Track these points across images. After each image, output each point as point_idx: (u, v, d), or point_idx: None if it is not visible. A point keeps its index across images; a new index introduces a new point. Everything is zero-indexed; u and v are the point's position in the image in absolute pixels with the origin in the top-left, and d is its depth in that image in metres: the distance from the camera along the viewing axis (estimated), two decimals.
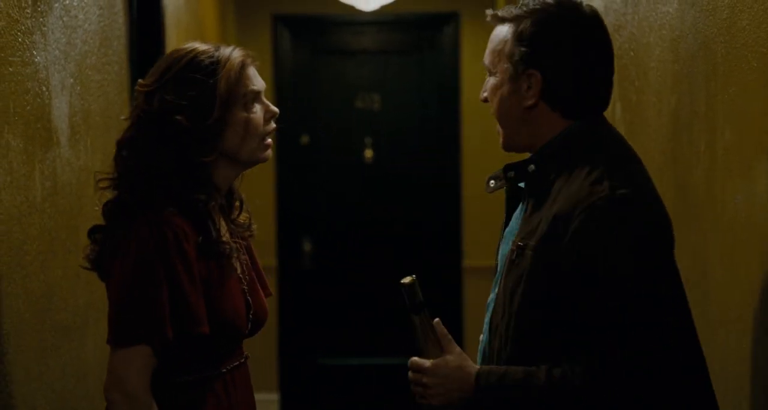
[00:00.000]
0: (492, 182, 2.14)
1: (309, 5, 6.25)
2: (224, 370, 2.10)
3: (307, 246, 6.23)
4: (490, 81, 2.07)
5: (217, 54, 2.06)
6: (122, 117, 2.12)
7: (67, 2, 2.55)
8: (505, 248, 2.10)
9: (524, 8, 2.02)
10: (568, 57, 1.99)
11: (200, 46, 2.09)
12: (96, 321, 2.74)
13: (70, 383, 2.51)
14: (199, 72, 2.04)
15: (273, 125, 2.14)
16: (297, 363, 6.26)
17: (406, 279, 2.01)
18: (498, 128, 2.10)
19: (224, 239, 2.08)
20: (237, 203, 2.22)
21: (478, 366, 1.99)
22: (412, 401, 2.07)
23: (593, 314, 1.87)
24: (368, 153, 6.25)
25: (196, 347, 2.01)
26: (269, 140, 2.14)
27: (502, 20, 2.05)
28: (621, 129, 3.22)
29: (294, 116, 6.21)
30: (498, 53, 2.04)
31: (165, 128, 2.02)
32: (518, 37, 2.00)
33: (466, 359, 2.00)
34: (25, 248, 2.22)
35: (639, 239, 1.88)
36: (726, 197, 2.24)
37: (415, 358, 2.01)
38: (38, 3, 2.32)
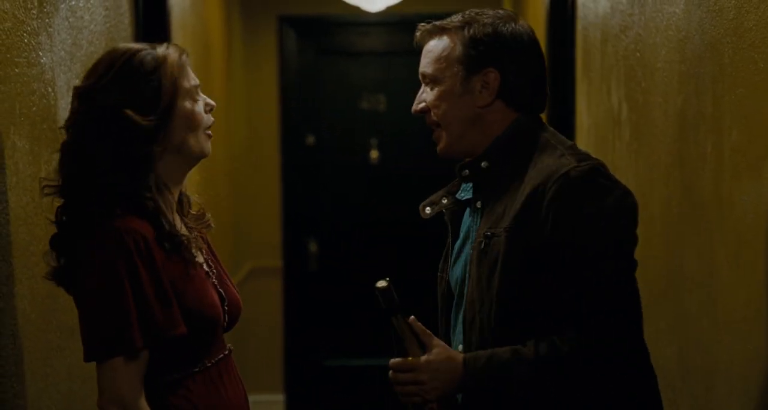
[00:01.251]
0: (428, 208, 2.26)
1: (314, 6, 6.25)
2: (209, 364, 2.11)
3: (312, 247, 6.23)
4: (436, 89, 2.14)
5: (155, 51, 2.09)
6: (59, 126, 2.12)
7: (73, 3, 2.55)
8: (461, 260, 2.18)
9: (465, 18, 2.14)
10: (522, 53, 2.12)
11: (136, 46, 2.12)
12: None
13: (76, 384, 2.51)
14: (142, 69, 2.06)
15: (211, 117, 2.17)
16: (302, 364, 6.25)
17: (381, 283, 2.05)
18: (439, 135, 2.17)
19: (181, 232, 2.10)
20: (184, 199, 2.23)
21: (463, 354, 2.02)
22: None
23: (577, 279, 1.96)
24: (373, 154, 6.25)
25: (178, 345, 2.02)
26: (210, 133, 2.16)
27: (442, 30, 2.15)
28: (627, 130, 3.21)
29: (299, 116, 6.21)
30: (445, 59, 2.13)
31: (110, 125, 2.03)
32: (470, 40, 2.11)
33: (450, 349, 2.05)
34: (31, 249, 2.22)
35: (615, 203, 1.99)
36: (733, 198, 2.24)
37: (399, 359, 2.04)
38: (44, 4, 2.32)
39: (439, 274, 2.28)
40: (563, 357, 1.96)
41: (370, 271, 6.38)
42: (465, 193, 2.21)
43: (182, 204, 2.22)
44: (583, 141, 3.90)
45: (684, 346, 2.62)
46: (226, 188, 5.32)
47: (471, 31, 2.11)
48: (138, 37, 3.28)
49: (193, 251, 2.11)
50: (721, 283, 2.34)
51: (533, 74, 2.14)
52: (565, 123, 4.09)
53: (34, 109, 2.25)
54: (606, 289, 1.96)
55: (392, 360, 2.04)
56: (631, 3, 3.09)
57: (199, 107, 2.12)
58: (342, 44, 6.31)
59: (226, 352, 2.18)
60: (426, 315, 2.16)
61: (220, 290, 2.16)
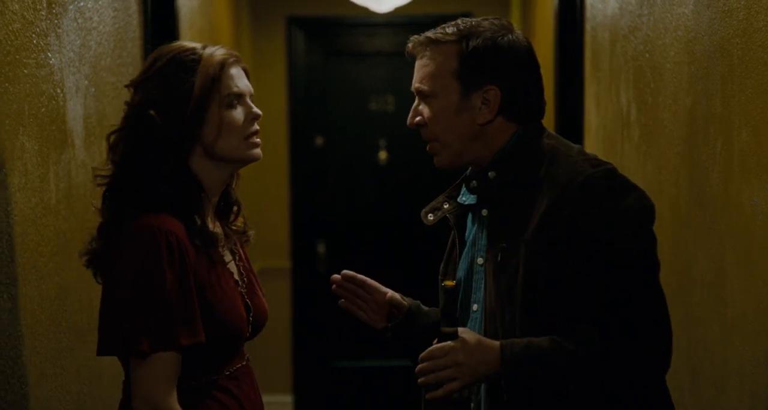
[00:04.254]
0: (430, 215, 2.22)
1: (323, 7, 6.25)
2: (228, 373, 2.10)
3: (321, 248, 6.23)
4: (432, 105, 2.09)
5: (200, 52, 2.07)
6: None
7: (82, 4, 2.55)
8: (465, 266, 2.15)
9: (460, 29, 2.07)
10: (521, 66, 2.06)
11: (186, 44, 2.10)
12: None
13: (85, 385, 2.51)
14: (180, 69, 2.04)
15: (255, 126, 2.13)
16: (311, 365, 6.26)
17: (449, 282, 2.01)
18: (435, 149, 2.13)
19: (213, 231, 2.08)
20: (234, 208, 2.22)
21: (496, 341, 1.99)
22: (422, 401, 2.06)
23: (605, 280, 1.93)
24: (382, 155, 6.25)
25: (199, 353, 2.00)
26: (256, 139, 2.13)
27: (437, 43, 2.08)
28: (636, 131, 3.21)
29: (308, 117, 6.21)
30: (441, 75, 2.07)
31: (139, 123, 2.03)
32: (469, 55, 2.04)
33: (477, 334, 2.01)
34: (40, 250, 2.22)
35: (635, 202, 1.97)
36: (743, 200, 2.23)
37: (434, 346, 1.99)
38: (53, 5, 2.32)
39: (440, 277, 2.24)
40: (600, 350, 1.94)
41: (378, 272, 6.41)
42: (467, 197, 2.17)
43: (227, 211, 2.20)
44: (592, 142, 3.89)
45: (693, 348, 2.62)
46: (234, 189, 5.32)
47: (469, 45, 2.04)
48: (146, 39, 3.28)
49: (222, 251, 2.09)
50: (730, 284, 2.34)
51: (532, 86, 2.09)
52: (574, 124, 4.08)
53: (42, 110, 2.25)
54: (634, 288, 1.94)
55: (429, 348, 1.98)
56: (640, 4, 3.09)
57: (238, 114, 2.09)
58: (350, 45, 6.31)
59: (245, 361, 2.17)
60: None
61: (248, 300, 2.15)
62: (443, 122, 2.08)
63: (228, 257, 2.14)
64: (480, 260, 2.10)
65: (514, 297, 1.99)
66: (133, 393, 1.96)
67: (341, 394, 6.31)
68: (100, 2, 2.72)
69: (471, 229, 2.17)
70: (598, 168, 1.99)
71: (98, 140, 2.69)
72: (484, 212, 2.11)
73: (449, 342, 1.96)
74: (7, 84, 2.04)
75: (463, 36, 2.06)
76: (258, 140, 2.13)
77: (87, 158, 2.57)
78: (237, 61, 2.11)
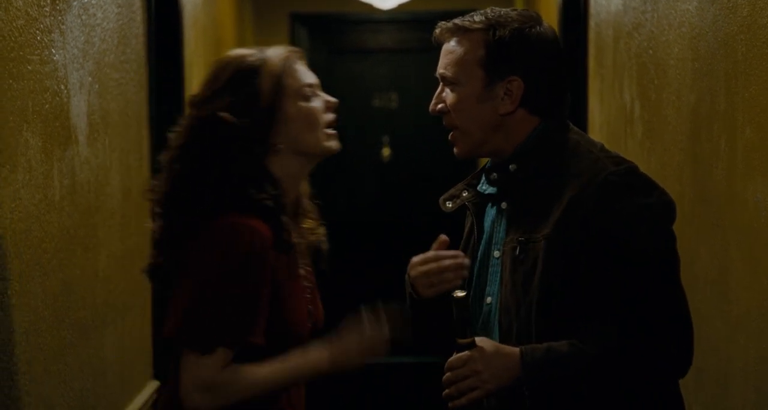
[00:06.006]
0: (449, 202, 2.19)
1: (326, 4, 6.25)
2: None
3: (323, 245, 6.23)
4: (456, 92, 2.07)
5: (260, 55, 2.08)
6: (169, 133, 2.09)
7: (86, 1, 2.55)
8: (480, 258, 2.14)
9: (488, 18, 2.06)
10: (546, 59, 2.05)
11: (243, 51, 2.11)
12: (114, 319, 2.74)
13: (89, 381, 2.51)
14: (244, 73, 2.05)
15: (332, 114, 2.15)
16: None
17: (459, 293, 1.99)
18: (456, 137, 2.10)
19: (294, 238, 2.08)
20: (304, 206, 2.21)
21: (515, 347, 1.97)
22: (424, 399, 2.05)
23: (626, 278, 1.92)
24: (386, 151, 6.26)
25: (256, 352, 2.00)
26: (333, 131, 2.15)
27: (465, 31, 2.07)
28: (639, 127, 3.20)
29: None
30: (467, 62, 2.05)
31: (217, 131, 2.02)
32: (495, 45, 2.03)
33: (497, 342, 2.00)
34: (44, 247, 2.23)
35: (656, 200, 1.97)
36: (747, 196, 2.23)
37: (453, 357, 1.98)
38: (57, 1, 2.32)
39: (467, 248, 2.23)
40: (617, 346, 1.93)
41: (381, 270, 6.42)
42: (487, 187, 2.15)
43: (298, 210, 2.19)
44: (595, 139, 3.89)
45: (696, 345, 2.61)
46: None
47: (496, 34, 2.03)
48: (150, 35, 3.28)
49: (299, 260, 2.09)
50: (734, 281, 2.34)
51: (556, 80, 2.07)
52: (578, 121, 4.08)
53: (46, 106, 2.26)
54: (652, 285, 1.93)
55: (449, 360, 1.98)
56: (644, 0, 3.09)
57: (316, 105, 2.11)
58: (354, 42, 6.31)
59: None
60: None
61: (310, 306, 2.15)
62: (465, 110, 2.06)
63: (303, 267, 2.14)
64: (497, 253, 2.10)
65: (531, 292, 1.98)
66: (181, 383, 1.94)
67: (344, 391, 6.31)
68: None
69: (489, 220, 2.16)
70: (620, 166, 1.99)
71: (102, 137, 2.70)
72: (504, 204, 2.10)
73: (467, 352, 1.96)
74: (11, 80, 2.04)
75: (491, 25, 2.04)
76: (334, 131, 2.15)
77: (90, 154, 2.57)
78: (300, 57, 2.14)
